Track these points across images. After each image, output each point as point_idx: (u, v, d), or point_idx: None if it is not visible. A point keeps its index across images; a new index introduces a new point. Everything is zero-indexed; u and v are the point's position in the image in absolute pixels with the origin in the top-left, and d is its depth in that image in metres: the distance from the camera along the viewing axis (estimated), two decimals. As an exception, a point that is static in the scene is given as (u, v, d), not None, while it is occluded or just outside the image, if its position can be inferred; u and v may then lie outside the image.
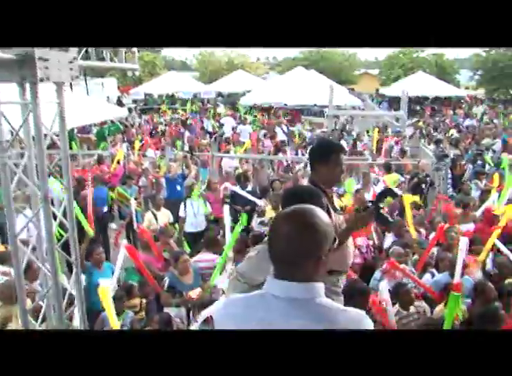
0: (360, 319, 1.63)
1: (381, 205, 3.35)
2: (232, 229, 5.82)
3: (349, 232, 3.24)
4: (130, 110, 24.10)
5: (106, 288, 4.12)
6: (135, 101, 30.19)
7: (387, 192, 5.36)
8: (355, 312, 1.64)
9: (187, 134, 17.09)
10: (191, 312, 4.86)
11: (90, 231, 6.38)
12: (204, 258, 5.88)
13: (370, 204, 3.33)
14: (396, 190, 6.63)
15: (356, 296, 3.88)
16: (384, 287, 4.56)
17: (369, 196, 8.61)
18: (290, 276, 1.61)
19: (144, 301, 5.34)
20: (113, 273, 5.36)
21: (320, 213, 1.66)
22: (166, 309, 4.99)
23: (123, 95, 31.55)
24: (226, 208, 6.36)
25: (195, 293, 5.08)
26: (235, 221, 7.72)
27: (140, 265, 5.35)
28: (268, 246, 1.66)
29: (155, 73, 37.66)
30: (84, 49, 3.65)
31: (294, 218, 1.64)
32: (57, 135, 3.53)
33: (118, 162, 10.92)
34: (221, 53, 42.98)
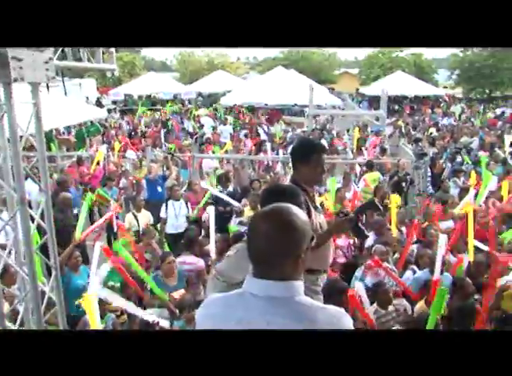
0: (340, 317, 1.63)
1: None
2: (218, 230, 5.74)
3: (329, 235, 3.25)
4: (109, 110, 23.89)
5: (91, 297, 4.01)
6: (114, 102, 29.90)
7: (369, 205, 5.38)
8: (334, 310, 1.64)
9: (163, 134, 17.02)
10: None
11: (78, 235, 6.24)
12: (188, 260, 5.84)
13: (352, 214, 3.34)
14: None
15: (335, 295, 3.89)
16: (360, 288, 4.59)
17: (349, 195, 8.66)
18: (269, 274, 1.60)
19: (126, 303, 5.28)
20: (89, 277, 5.28)
21: (298, 211, 1.66)
22: (149, 310, 4.95)
23: (102, 96, 31.25)
24: (212, 209, 6.19)
25: (177, 294, 5.07)
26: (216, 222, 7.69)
27: (119, 267, 5.28)
28: (247, 245, 1.66)
29: (134, 73, 37.44)
30: (61, 49, 3.59)
31: (272, 217, 1.64)
32: (34, 137, 3.48)
33: (98, 163, 10.81)
34: (201, 53, 42.99)
